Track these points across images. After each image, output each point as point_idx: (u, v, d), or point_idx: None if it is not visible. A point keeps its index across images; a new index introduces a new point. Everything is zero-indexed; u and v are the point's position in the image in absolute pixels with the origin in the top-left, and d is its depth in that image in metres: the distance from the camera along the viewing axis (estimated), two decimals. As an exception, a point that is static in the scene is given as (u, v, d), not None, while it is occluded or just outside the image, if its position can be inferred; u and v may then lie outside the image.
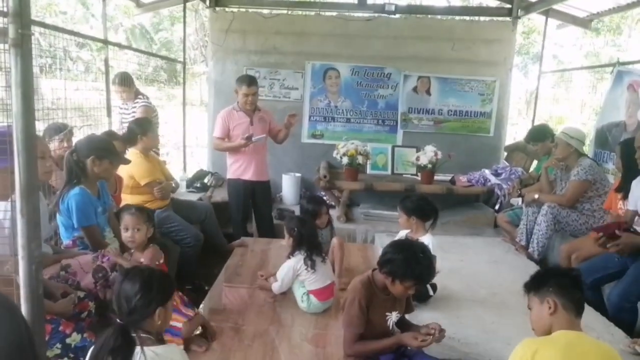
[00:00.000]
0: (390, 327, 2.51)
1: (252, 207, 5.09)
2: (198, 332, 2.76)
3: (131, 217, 2.86)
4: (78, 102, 5.16)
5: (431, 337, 2.35)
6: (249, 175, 4.88)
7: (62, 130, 3.92)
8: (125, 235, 2.88)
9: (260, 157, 4.95)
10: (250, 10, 6.57)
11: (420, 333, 2.40)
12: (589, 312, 3.20)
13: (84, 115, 5.21)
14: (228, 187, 5.06)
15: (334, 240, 3.73)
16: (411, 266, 2.31)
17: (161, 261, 2.83)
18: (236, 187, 4.94)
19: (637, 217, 3.45)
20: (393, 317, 2.49)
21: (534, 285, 2.00)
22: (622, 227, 3.32)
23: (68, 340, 2.34)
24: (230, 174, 4.97)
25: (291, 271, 3.21)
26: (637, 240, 3.24)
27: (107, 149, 3.34)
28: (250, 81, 4.76)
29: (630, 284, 3.18)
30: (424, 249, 2.41)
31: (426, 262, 2.35)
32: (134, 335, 1.80)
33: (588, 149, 5.01)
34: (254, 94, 4.76)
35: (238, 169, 4.89)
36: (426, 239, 3.17)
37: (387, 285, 2.40)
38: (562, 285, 1.93)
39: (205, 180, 6.07)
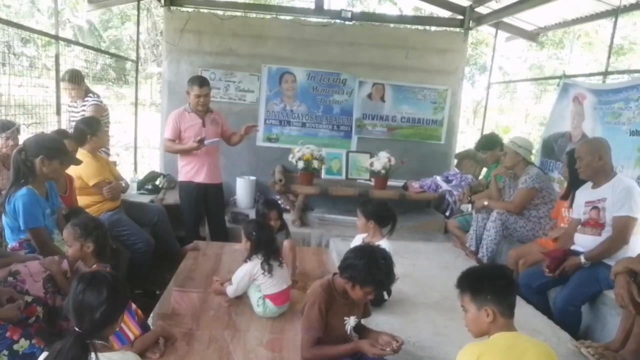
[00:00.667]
0: (348, 331, 2.51)
1: (204, 210, 5.01)
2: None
3: (65, 232, 2.77)
4: (21, 99, 4.95)
5: (389, 348, 2.37)
6: (201, 178, 4.80)
7: (8, 127, 3.75)
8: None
9: (213, 159, 4.88)
10: (206, 10, 6.50)
11: (378, 342, 2.42)
12: (537, 316, 3.34)
13: (28, 113, 5.00)
14: (180, 190, 4.97)
15: (285, 243, 3.73)
16: (372, 272, 2.31)
17: None
18: (188, 190, 4.85)
19: (579, 225, 3.60)
20: (351, 321, 2.50)
21: (469, 289, 2.04)
22: (566, 254, 3.49)
23: (15, 347, 2.25)
24: (182, 177, 4.87)
25: (247, 275, 3.18)
26: (574, 262, 3.39)
27: (57, 148, 3.21)
28: (202, 82, 4.69)
29: (574, 288, 3.32)
30: (385, 254, 2.42)
31: (387, 268, 2.36)
32: (88, 342, 1.75)
33: (535, 158, 5.20)
34: (206, 95, 4.69)
35: (190, 171, 4.80)
36: (383, 244, 3.21)
37: (347, 290, 2.41)
38: (499, 292, 1.98)
39: (157, 182, 5.93)
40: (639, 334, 2.66)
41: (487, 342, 1.94)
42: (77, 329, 1.77)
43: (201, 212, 5.01)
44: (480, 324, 1.99)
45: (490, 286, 1.99)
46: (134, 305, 2.69)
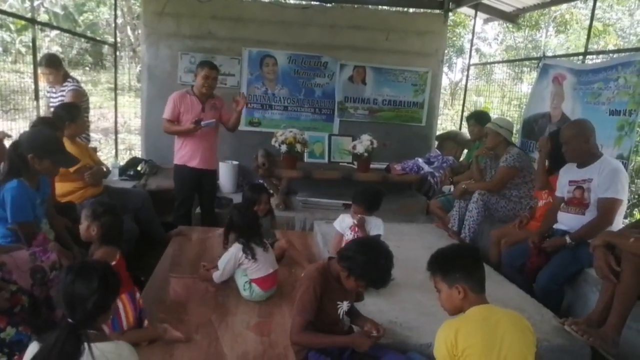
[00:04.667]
0: (341, 316, 2.52)
1: (196, 195, 5.00)
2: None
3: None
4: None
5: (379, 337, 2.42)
6: (195, 163, 4.79)
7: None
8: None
9: (209, 144, 4.87)
10: (184, -7, 6.39)
11: (367, 332, 2.44)
12: (520, 295, 3.38)
13: (4, 99, 4.91)
14: (174, 174, 4.95)
15: (282, 242, 3.83)
16: (369, 269, 2.33)
17: (113, 263, 2.58)
18: (182, 174, 4.84)
19: (562, 204, 3.66)
20: (344, 306, 2.51)
21: (439, 271, 2.11)
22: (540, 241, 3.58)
23: (2, 335, 2.22)
24: (176, 160, 4.87)
25: (232, 260, 3.18)
26: (559, 241, 3.47)
27: (49, 149, 3.12)
28: (212, 65, 4.78)
29: (557, 267, 3.38)
30: (387, 255, 2.40)
31: (385, 269, 2.37)
32: (81, 332, 1.73)
33: (515, 138, 5.25)
34: (214, 79, 4.74)
35: (185, 155, 4.80)
36: (374, 221, 3.31)
37: (341, 277, 2.41)
38: (467, 269, 2.05)
39: (139, 168, 5.87)
40: (618, 308, 2.73)
41: (463, 317, 2.02)
42: (69, 320, 1.74)
43: (193, 196, 4.99)
44: (453, 302, 2.06)
45: (459, 265, 2.07)
46: (138, 294, 2.68)
